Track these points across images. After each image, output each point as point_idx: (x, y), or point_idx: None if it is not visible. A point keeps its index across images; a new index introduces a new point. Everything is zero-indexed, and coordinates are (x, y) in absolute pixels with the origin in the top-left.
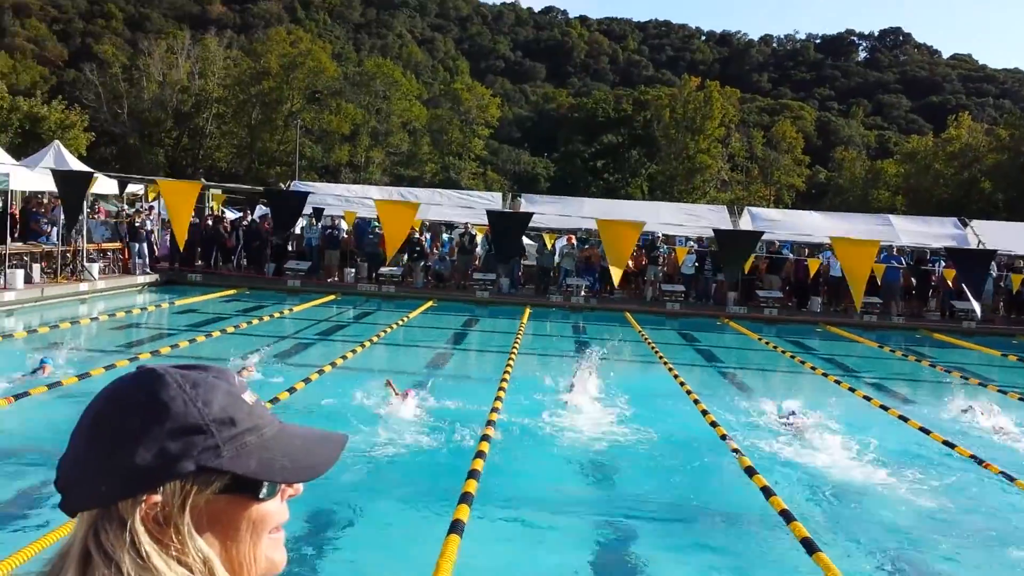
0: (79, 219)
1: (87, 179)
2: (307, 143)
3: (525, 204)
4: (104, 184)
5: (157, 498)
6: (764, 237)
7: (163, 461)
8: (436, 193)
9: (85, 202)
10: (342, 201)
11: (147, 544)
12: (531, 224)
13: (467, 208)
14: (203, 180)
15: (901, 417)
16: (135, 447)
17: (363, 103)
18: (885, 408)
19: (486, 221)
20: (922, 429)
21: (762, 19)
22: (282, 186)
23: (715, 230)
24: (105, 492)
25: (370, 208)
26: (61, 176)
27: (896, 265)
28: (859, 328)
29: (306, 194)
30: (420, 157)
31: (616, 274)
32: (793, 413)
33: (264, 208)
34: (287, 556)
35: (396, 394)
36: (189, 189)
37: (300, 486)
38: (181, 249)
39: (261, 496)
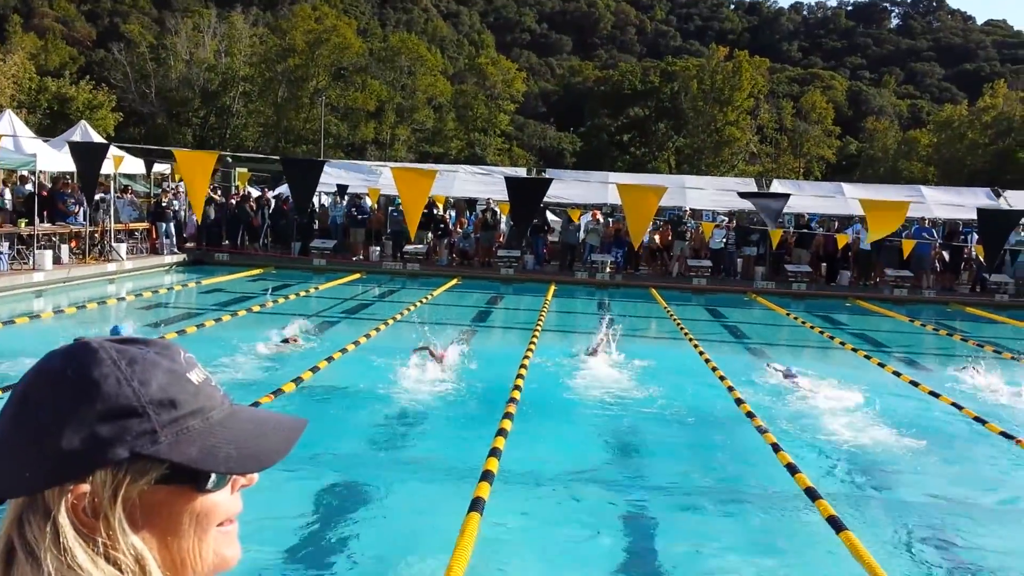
0: (101, 195)
1: (103, 150)
2: (333, 120)
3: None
4: (131, 164)
5: (86, 488)
6: (793, 211)
7: (92, 446)
8: (458, 168)
9: (113, 180)
10: (364, 177)
11: (71, 539)
12: (556, 200)
13: (489, 184)
14: (224, 153)
15: (932, 392)
16: (62, 430)
17: (388, 79)
18: (915, 384)
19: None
20: (954, 404)
21: None
22: None
23: (741, 193)
24: (29, 479)
25: (392, 187)
26: (77, 148)
27: (927, 238)
28: (889, 302)
29: (322, 162)
30: (445, 133)
31: (636, 239)
32: (791, 373)
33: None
34: (240, 551)
35: (434, 356)
36: (206, 159)
37: (255, 476)
38: (198, 221)
39: (207, 488)
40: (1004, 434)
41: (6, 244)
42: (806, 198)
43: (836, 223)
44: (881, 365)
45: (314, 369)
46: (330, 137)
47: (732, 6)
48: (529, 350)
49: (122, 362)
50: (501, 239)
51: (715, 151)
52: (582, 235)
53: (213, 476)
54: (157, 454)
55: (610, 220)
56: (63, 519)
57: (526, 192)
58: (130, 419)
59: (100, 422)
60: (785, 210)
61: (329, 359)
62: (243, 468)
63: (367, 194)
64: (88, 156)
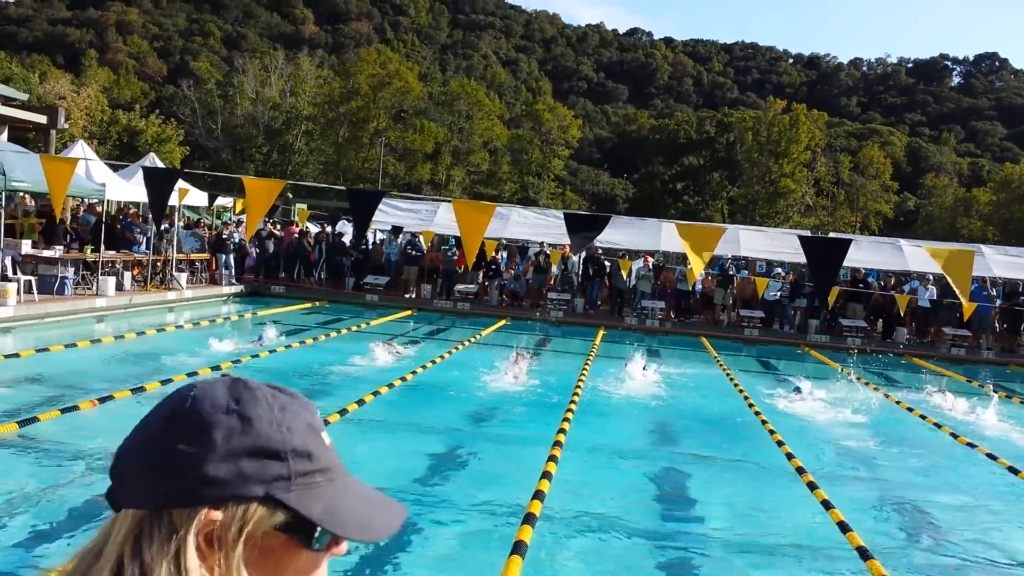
0: (165, 226)
1: (174, 176)
2: (391, 161)
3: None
4: (195, 196)
5: (218, 515)
6: (850, 265)
7: (235, 478)
8: (514, 207)
9: (177, 212)
10: (420, 218)
11: (192, 561)
12: (607, 245)
13: (540, 227)
14: (291, 181)
15: (989, 455)
16: (210, 454)
17: (446, 122)
18: (972, 445)
19: (561, 240)
20: (1011, 468)
21: (852, 42)
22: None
23: (800, 237)
24: (165, 493)
25: (445, 227)
26: (149, 173)
27: (989, 296)
28: (946, 361)
29: (381, 192)
30: (499, 176)
31: (692, 275)
32: (799, 389)
33: (346, 222)
34: None
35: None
36: (271, 187)
37: (345, 546)
38: (247, 239)
39: (314, 546)
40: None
41: (71, 269)
42: (862, 252)
43: (892, 279)
44: (938, 426)
45: (359, 402)
46: (387, 177)
47: (791, 60)
48: (575, 396)
49: (275, 406)
50: (552, 282)
51: (770, 202)
52: (633, 281)
53: (319, 535)
54: (288, 501)
55: (662, 268)
56: (191, 539)
57: (584, 228)
58: (273, 461)
59: (247, 457)
60: (844, 264)
61: (375, 392)
62: (358, 535)
63: (421, 234)
64: (159, 182)
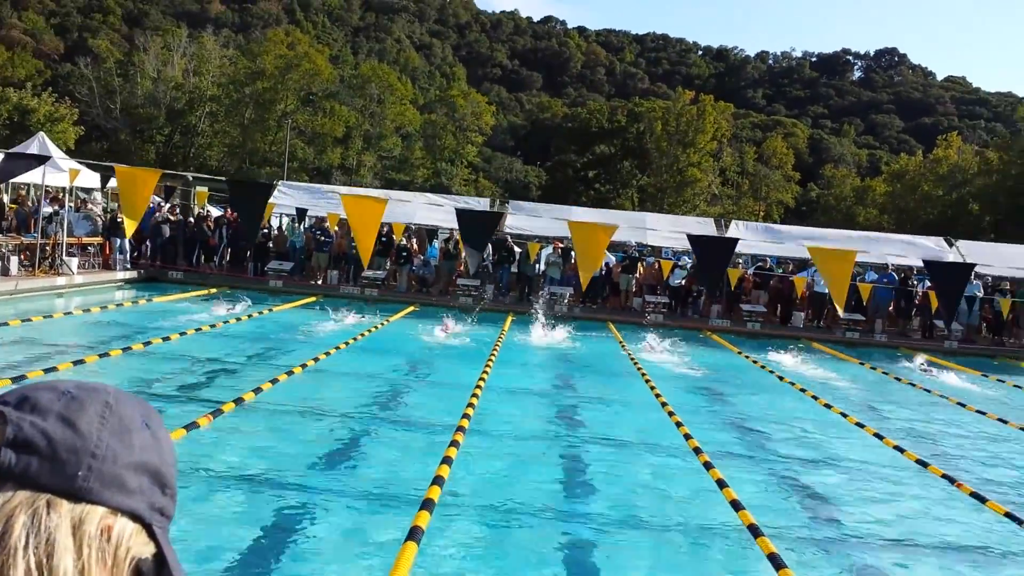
0: (55, 208)
1: (267, 191)
2: (299, 144)
3: (512, 211)
4: (87, 178)
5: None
6: (751, 252)
7: (139, 491)
8: (412, 196)
9: (68, 193)
10: (327, 200)
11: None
12: (518, 231)
13: (450, 214)
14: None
15: (876, 435)
16: (129, 458)
17: (357, 106)
18: (861, 425)
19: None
20: (896, 447)
21: (759, 36)
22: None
23: (690, 236)
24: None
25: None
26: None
27: (888, 284)
28: (841, 344)
29: (270, 185)
30: (412, 162)
31: (585, 277)
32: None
33: None
34: None
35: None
36: (146, 177)
37: None
38: (128, 237)
39: None
40: (946, 477)
41: None
42: (761, 243)
43: (791, 265)
44: (828, 406)
45: (256, 390)
46: (295, 160)
47: (700, 52)
48: (481, 380)
49: (166, 436)
50: (461, 268)
51: (677, 191)
52: (542, 267)
53: None
54: (159, 536)
55: (571, 253)
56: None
57: (477, 224)
58: (159, 489)
59: (149, 476)
60: (746, 251)
61: (273, 380)
62: None
63: (327, 218)
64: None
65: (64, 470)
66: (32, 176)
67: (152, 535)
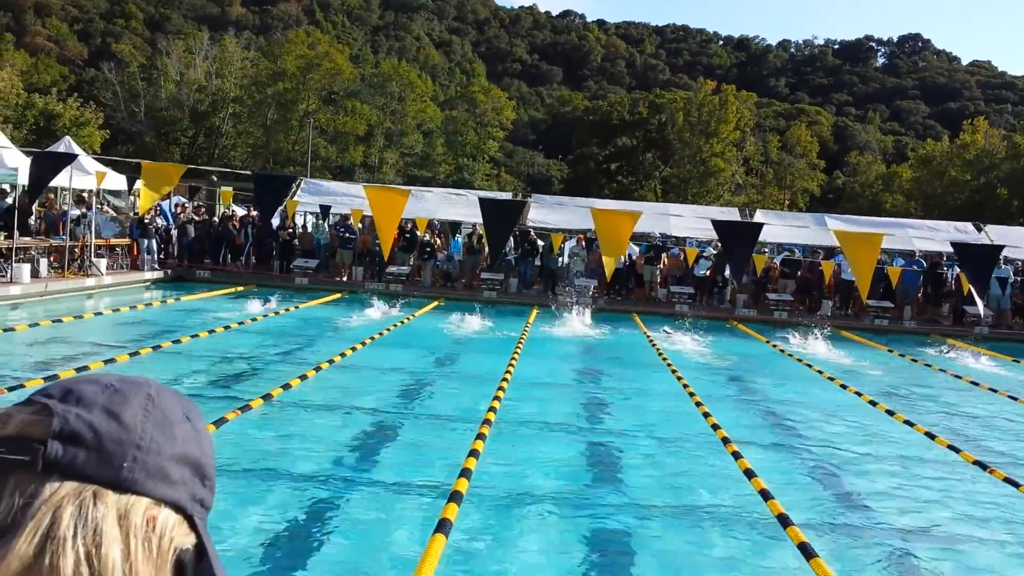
0: (83, 211)
1: (289, 183)
2: (321, 143)
3: (534, 204)
4: (113, 180)
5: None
6: (777, 242)
7: (181, 482)
8: (433, 190)
9: (95, 196)
10: (351, 197)
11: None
12: (541, 225)
13: (474, 207)
14: (194, 167)
15: (906, 422)
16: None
17: (378, 104)
18: (891, 412)
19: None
20: (928, 434)
21: (780, 24)
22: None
23: (714, 221)
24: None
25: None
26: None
27: (916, 269)
28: (870, 332)
29: (292, 178)
30: (434, 158)
31: (609, 265)
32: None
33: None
34: None
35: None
36: (171, 171)
37: None
38: (142, 212)
39: None
40: (978, 463)
41: None
42: (788, 228)
43: (821, 253)
44: (858, 394)
45: (285, 386)
46: (318, 159)
47: (721, 42)
48: (507, 373)
49: (205, 430)
50: (485, 262)
51: (701, 181)
52: (565, 260)
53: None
54: (199, 528)
55: (595, 245)
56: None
57: (500, 214)
58: (199, 480)
59: (190, 468)
60: (771, 240)
61: (302, 376)
62: None
63: (350, 215)
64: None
65: (110, 461)
66: (59, 179)
67: (193, 526)
